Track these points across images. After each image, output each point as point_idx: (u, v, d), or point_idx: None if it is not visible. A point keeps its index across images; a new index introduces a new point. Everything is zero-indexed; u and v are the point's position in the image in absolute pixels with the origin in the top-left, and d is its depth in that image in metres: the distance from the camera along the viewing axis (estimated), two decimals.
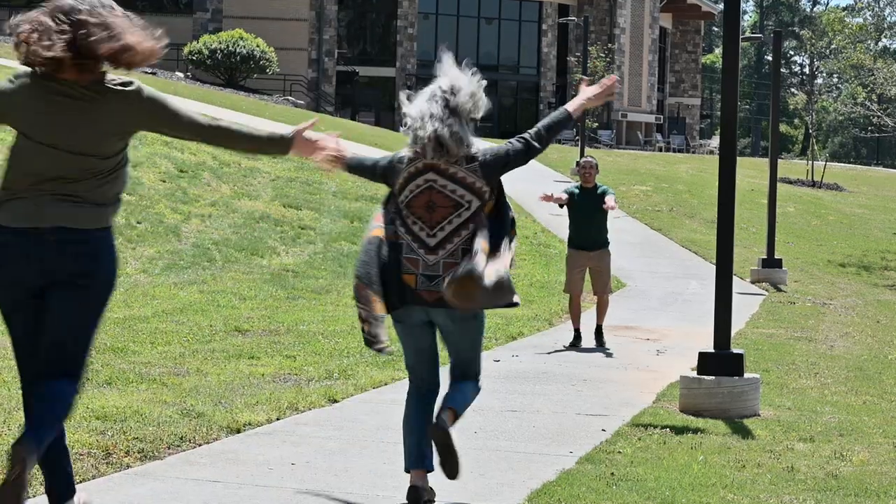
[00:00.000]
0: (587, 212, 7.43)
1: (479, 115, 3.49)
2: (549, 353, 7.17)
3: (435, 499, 3.50)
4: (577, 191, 7.50)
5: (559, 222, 14.77)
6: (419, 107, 3.38)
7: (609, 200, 7.27)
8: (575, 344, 7.46)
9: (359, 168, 3.55)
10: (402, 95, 3.44)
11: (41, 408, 2.84)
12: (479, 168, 3.43)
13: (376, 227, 3.45)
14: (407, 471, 3.51)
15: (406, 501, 3.45)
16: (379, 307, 3.37)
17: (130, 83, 2.95)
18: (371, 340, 3.38)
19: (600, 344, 7.50)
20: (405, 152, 3.48)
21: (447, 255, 3.39)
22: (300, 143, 3.11)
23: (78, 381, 2.92)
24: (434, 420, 3.43)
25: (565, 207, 7.56)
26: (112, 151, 2.91)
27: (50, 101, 2.87)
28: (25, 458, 2.70)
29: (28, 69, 2.91)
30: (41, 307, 2.90)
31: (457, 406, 3.46)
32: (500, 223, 3.39)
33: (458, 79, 3.41)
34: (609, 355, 7.29)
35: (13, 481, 2.69)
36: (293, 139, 3.09)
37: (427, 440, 3.43)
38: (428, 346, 3.58)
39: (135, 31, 3.03)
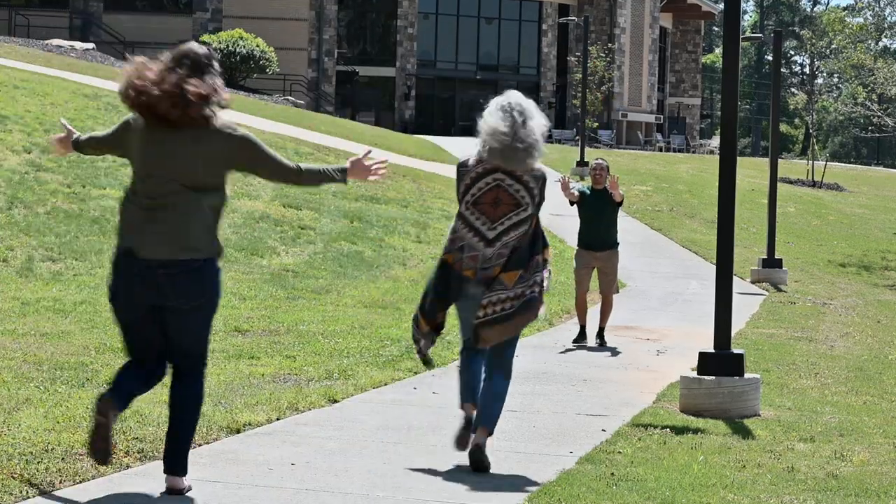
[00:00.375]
0: (597, 212, 7.56)
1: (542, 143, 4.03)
2: (549, 353, 7.17)
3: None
4: (587, 191, 7.63)
5: (559, 222, 14.76)
6: (497, 116, 3.93)
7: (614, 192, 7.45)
8: (579, 340, 7.54)
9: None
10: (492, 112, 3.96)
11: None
12: (537, 180, 4.01)
13: (446, 252, 4.16)
14: (461, 406, 4.21)
15: (462, 428, 4.17)
16: (427, 326, 4.26)
17: None
18: (419, 350, 4.34)
19: (602, 344, 7.55)
20: (471, 157, 4.02)
21: (502, 246, 3.98)
22: (354, 171, 3.66)
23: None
24: (473, 443, 4.07)
25: (575, 206, 7.69)
26: None
27: None
28: (109, 412, 3.45)
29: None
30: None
31: (490, 425, 4.10)
32: (536, 239, 4.07)
33: (525, 101, 3.99)
34: (615, 354, 7.30)
35: (98, 427, 3.45)
36: (349, 169, 3.65)
37: (473, 388, 4.13)
38: (474, 312, 4.17)
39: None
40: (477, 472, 3.99)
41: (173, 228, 3.33)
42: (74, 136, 3.75)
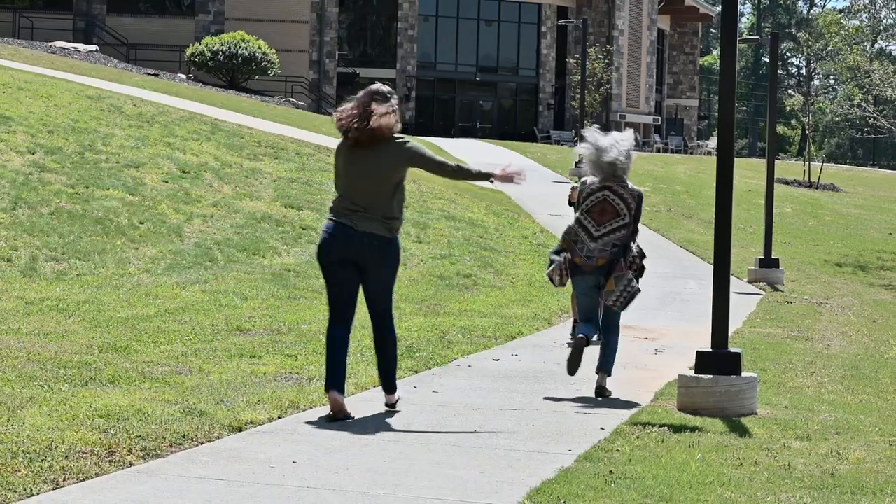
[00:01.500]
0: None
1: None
2: (548, 352, 7.21)
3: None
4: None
5: (559, 223, 14.81)
6: (600, 142, 5.52)
7: None
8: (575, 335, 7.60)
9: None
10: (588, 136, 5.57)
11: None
12: (634, 199, 5.57)
13: (564, 240, 5.76)
14: (572, 336, 6.37)
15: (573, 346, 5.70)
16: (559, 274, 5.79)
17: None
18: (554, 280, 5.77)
19: (598, 338, 7.58)
20: (588, 179, 5.67)
21: (602, 244, 5.59)
22: (499, 177, 4.91)
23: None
24: (598, 384, 5.71)
25: (571, 206, 7.78)
26: None
27: None
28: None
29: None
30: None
31: (609, 370, 5.75)
32: (630, 243, 5.68)
33: (620, 136, 5.58)
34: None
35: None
36: (494, 175, 4.92)
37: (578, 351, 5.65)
38: (590, 289, 5.74)
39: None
40: (600, 397, 5.66)
41: None
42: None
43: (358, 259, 4.84)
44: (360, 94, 4.78)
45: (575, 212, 7.68)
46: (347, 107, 4.78)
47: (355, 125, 4.70)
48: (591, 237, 5.59)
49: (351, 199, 4.78)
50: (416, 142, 4.91)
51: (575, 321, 7.66)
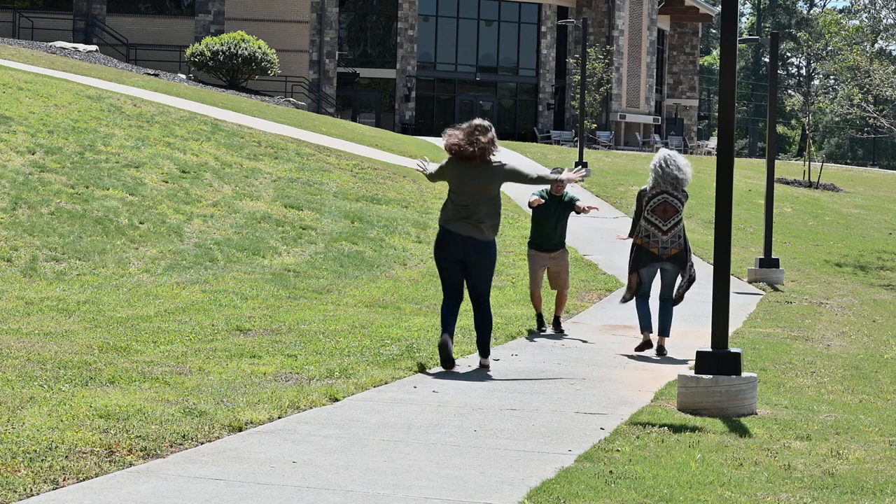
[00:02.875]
0: (551, 216, 7.95)
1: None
2: (548, 352, 7.21)
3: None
4: (546, 197, 7.98)
5: None
6: (663, 157, 7.23)
7: (582, 205, 7.95)
8: (540, 328, 7.99)
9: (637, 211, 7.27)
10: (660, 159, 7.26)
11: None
12: (685, 197, 7.24)
13: (637, 238, 7.32)
14: (642, 332, 7.27)
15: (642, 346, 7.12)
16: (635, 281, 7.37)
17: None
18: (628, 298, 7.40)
19: (559, 332, 7.99)
20: (648, 185, 7.24)
21: (672, 236, 7.22)
22: (566, 175, 6.44)
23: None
24: (658, 345, 7.24)
25: (532, 210, 8.10)
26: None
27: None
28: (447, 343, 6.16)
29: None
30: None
31: (668, 334, 7.31)
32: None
33: (676, 155, 7.21)
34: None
35: (443, 346, 6.14)
36: (563, 177, 6.46)
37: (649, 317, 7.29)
38: (653, 274, 7.34)
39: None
40: (659, 356, 7.12)
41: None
42: (427, 169, 6.42)
43: (464, 257, 6.20)
44: (466, 125, 6.20)
45: (534, 214, 8.24)
46: (456, 133, 6.16)
47: (465, 150, 6.09)
48: (662, 231, 7.16)
49: (459, 206, 6.17)
50: (511, 162, 6.34)
51: (539, 314, 8.10)
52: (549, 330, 8.05)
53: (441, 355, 6.12)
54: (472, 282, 6.24)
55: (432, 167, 6.51)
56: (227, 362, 6.10)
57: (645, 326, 7.20)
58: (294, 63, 31.24)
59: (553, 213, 7.95)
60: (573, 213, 8.03)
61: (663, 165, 7.12)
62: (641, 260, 7.20)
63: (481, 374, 6.27)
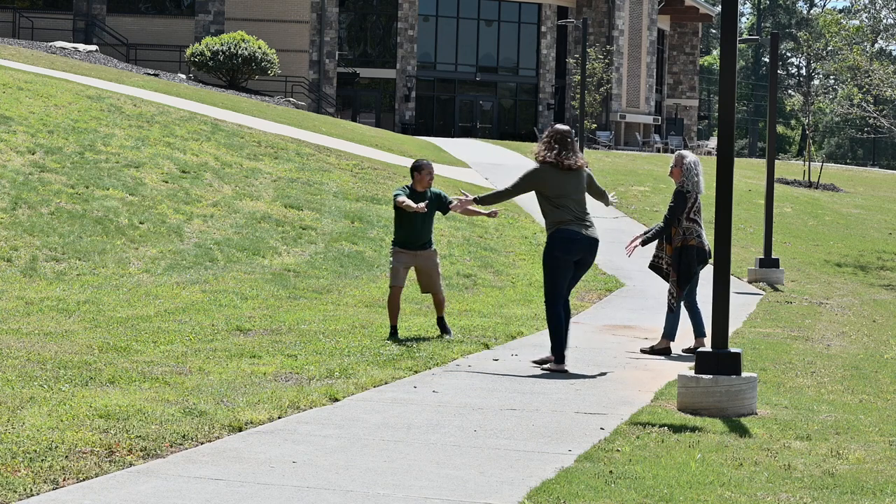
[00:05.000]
0: (419, 214, 7.26)
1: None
2: (547, 352, 7.20)
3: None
4: (406, 191, 7.33)
5: None
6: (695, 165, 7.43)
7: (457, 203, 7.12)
8: (392, 337, 7.28)
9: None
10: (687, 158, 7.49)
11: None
12: None
13: (689, 240, 7.42)
14: (701, 336, 7.37)
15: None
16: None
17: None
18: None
19: (445, 331, 7.46)
20: (689, 186, 7.35)
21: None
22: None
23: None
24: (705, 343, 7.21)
25: (395, 208, 7.28)
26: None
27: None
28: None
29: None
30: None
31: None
32: None
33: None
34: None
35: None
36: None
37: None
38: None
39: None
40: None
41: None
42: (473, 196, 6.70)
43: (582, 257, 6.54)
44: (562, 134, 6.50)
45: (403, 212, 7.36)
46: (555, 146, 6.48)
47: (568, 160, 6.46)
48: (702, 229, 7.39)
49: (574, 210, 6.47)
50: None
51: (393, 327, 7.35)
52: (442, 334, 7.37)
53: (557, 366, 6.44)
54: (572, 282, 6.52)
55: (505, 185, 6.57)
56: (227, 362, 6.10)
57: (703, 331, 7.31)
58: (294, 63, 31.25)
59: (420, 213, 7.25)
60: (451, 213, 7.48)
61: (697, 167, 7.32)
62: (699, 259, 7.33)
63: (482, 374, 6.27)
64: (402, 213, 7.35)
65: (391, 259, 7.49)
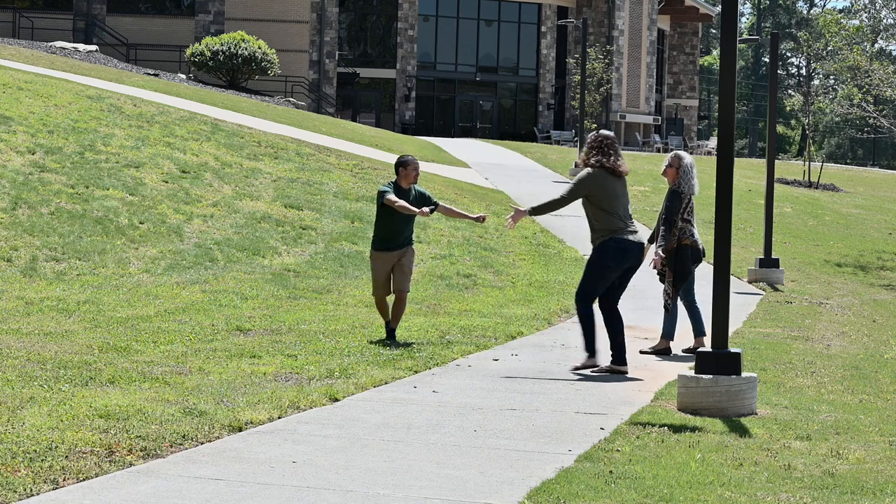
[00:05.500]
0: (402, 214, 6.98)
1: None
2: (548, 353, 7.21)
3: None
4: (390, 189, 7.03)
5: (559, 223, 14.81)
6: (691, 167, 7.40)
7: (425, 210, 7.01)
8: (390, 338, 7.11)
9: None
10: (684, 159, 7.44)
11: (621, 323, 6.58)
12: None
13: (683, 240, 7.38)
14: (701, 335, 7.37)
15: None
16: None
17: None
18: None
19: (393, 339, 7.14)
20: (686, 188, 7.34)
21: None
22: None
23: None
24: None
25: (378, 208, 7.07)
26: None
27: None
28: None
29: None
30: None
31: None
32: None
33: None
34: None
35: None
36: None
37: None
38: None
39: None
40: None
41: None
42: (526, 208, 6.55)
43: (632, 264, 6.61)
44: (608, 140, 6.56)
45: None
46: (611, 152, 6.54)
47: (622, 167, 6.56)
48: (695, 228, 7.38)
49: (625, 218, 6.55)
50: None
51: (387, 322, 7.15)
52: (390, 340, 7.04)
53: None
54: (620, 288, 6.56)
55: (560, 193, 6.46)
56: (227, 362, 6.10)
57: (702, 331, 7.31)
58: (294, 63, 31.25)
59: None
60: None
61: (693, 169, 7.30)
62: (693, 258, 7.34)
63: (482, 374, 6.27)
64: (386, 211, 7.01)
65: (372, 265, 7.18)
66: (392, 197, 6.94)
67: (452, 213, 7.44)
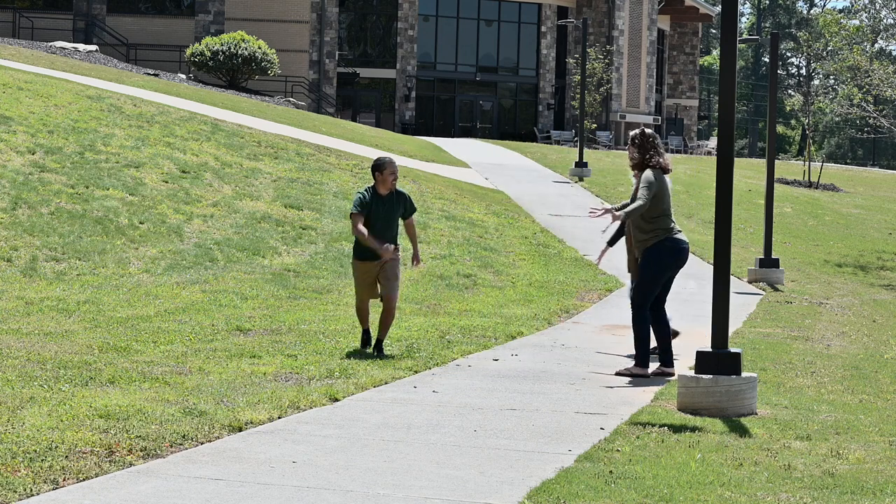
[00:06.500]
0: (384, 214, 6.59)
1: None
2: (547, 353, 7.21)
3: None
4: (368, 195, 6.56)
5: (559, 223, 14.81)
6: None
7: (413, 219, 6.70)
8: (364, 347, 6.75)
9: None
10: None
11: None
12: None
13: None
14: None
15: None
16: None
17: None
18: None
19: (380, 353, 6.65)
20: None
21: None
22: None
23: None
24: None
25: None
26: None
27: None
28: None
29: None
30: None
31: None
32: None
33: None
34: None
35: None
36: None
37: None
38: None
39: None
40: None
41: None
42: (615, 211, 6.26)
43: (683, 265, 6.61)
44: (653, 139, 6.41)
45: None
46: (661, 150, 6.42)
47: (670, 166, 6.48)
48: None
49: (672, 218, 6.48)
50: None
51: (366, 330, 6.77)
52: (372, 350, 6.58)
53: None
54: (666, 292, 6.51)
55: (641, 199, 6.22)
56: (227, 362, 6.10)
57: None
58: (294, 63, 31.25)
59: (387, 212, 6.58)
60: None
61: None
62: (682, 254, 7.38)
63: (482, 374, 6.27)
64: (368, 217, 6.48)
65: (353, 273, 6.71)
66: (361, 228, 6.38)
67: (411, 238, 6.73)
